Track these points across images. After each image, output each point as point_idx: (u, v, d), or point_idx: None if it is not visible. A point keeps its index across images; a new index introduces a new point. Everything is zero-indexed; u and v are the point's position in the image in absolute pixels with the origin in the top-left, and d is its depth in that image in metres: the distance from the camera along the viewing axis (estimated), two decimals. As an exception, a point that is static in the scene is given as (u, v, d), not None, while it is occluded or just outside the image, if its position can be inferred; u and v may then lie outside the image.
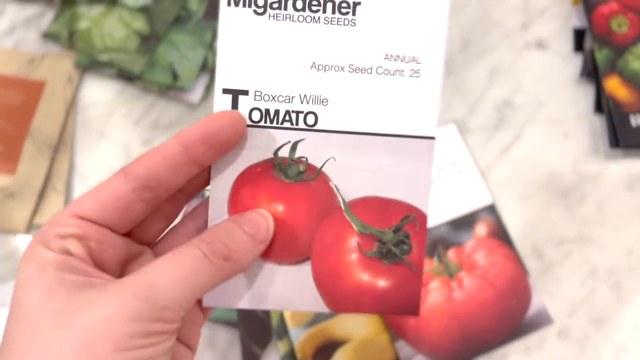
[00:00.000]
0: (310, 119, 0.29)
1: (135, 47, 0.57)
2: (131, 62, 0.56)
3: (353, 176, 0.30)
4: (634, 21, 0.54)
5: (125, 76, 0.57)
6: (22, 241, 0.52)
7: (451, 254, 0.50)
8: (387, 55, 0.29)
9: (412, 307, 0.30)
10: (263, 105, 0.29)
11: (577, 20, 0.57)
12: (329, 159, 0.29)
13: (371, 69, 0.29)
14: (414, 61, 0.29)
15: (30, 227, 0.52)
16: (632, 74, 0.53)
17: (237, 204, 0.29)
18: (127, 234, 0.29)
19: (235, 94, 0.29)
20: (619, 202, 0.52)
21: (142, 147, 0.55)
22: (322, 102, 0.29)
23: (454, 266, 0.49)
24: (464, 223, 0.51)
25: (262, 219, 0.29)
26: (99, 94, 0.57)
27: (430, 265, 0.49)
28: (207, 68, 0.56)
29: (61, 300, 0.24)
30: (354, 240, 0.30)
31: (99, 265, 0.27)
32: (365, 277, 0.30)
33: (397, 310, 0.30)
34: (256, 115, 0.29)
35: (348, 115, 0.29)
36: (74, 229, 0.26)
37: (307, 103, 0.29)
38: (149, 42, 0.57)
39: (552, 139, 0.54)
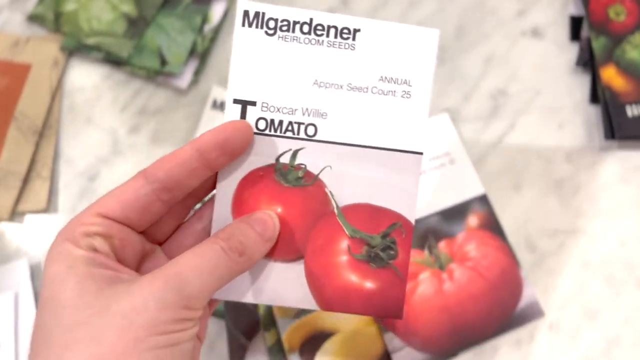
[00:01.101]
0: (311, 130, 0.32)
1: (122, 31, 0.55)
2: (118, 46, 0.55)
3: (347, 184, 0.32)
4: (632, 9, 0.53)
5: (113, 61, 0.55)
6: (5, 228, 0.51)
7: (442, 245, 0.49)
8: (381, 77, 0.32)
9: (396, 310, 0.32)
10: (268, 116, 0.32)
11: (574, 7, 0.56)
12: (325, 167, 0.32)
13: (367, 88, 0.32)
14: (406, 84, 0.32)
15: (13, 214, 0.51)
16: (629, 64, 0.52)
17: (240, 204, 0.32)
18: (141, 233, 0.31)
19: (245, 104, 0.32)
20: (613, 194, 0.51)
21: (129, 133, 0.54)
22: (322, 115, 0.32)
23: (445, 257, 0.48)
24: (456, 214, 0.50)
25: (269, 219, 0.31)
26: (86, 78, 0.56)
27: (420, 256, 0.48)
28: (196, 53, 0.55)
29: (95, 293, 0.26)
30: (344, 243, 0.32)
31: (120, 261, 0.29)
32: (353, 278, 0.32)
33: (382, 313, 0.32)
34: (262, 124, 0.32)
35: (345, 128, 0.32)
36: (99, 228, 0.28)
37: (309, 116, 0.32)
38: (136, 25, 0.56)
39: (546, 129, 0.53)
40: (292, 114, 0.32)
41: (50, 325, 0.26)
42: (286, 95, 0.32)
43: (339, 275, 0.32)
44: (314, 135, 0.32)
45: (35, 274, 0.50)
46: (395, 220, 0.32)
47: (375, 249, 0.32)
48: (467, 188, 0.51)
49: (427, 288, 0.47)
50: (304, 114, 0.32)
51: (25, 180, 0.52)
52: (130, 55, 0.55)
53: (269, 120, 0.32)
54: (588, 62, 0.54)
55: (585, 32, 0.55)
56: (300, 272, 0.32)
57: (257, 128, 0.32)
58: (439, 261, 0.48)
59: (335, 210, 0.32)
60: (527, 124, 0.53)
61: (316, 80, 0.32)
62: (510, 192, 0.51)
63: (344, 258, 0.32)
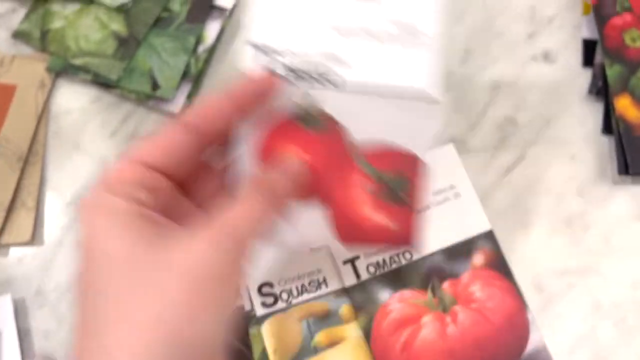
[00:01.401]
0: (331, 76, 0.33)
1: (112, 51, 0.53)
2: (108, 67, 0.52)
3: (365, 127, 0.34)
4: (649, 36, 0.51)
5: (101, 83, 0.53)
6: (-12, 261, 0.49)
7: (446, 286, 0.46)
8: (395, 21, 0.33)
9: (407, 239, 0.35)
10: (290, 62, 0.33)
11: (587, 30, 0.54)
12: (345, 111, 0.33)
13: (383, 36, 0.33)
14: (415, 29, 0.33)
15: (-3, 247, 0.49)
16: (645, 94, 0.49)
17: (266, 150, 0.33)
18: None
19: (267, 51, 0.33)
20: (626, 232, 0.48)
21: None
22: (342, 62, 0.33)
23: (449, 299, 0.46)
24: (461, 251, 0.47)
25: (299, 167, 0.32)
26: (73, 101, 0.53)
27: (423, 297, 0.46)
28: (189, 75, 0.52)
29: (148, 246, 0.25)
30: (365, 182, 0.34)
31: (164, 213, 0.28)
32: (372, 213, 0.34)
33: (396, 243, 0.35)
34: (282, 71, 0.33)
35: (363, 74, 0.33)
36: (142, 177, 0.27)
37: (329, 61, 0.33)
38: (127, 45, 0.53)
39: (557, 161, 0.50)
40: (314, 59, 0.33)
41: (103, 281, 0.25)
42: (308, 41, 0.33)
43: (361, 212, 0.34)
44: (335, 81, 0.33)
45: (19, 310, 0.48)
46: (411, 159, 0.34)
47: (391, 186, 0.34)
48: (472, 224, 0.48)
49: (429, 332, 0.45)
50: (324, 60, 0.33)
51: (9, 210, 0.50)
52: (120, 78, 0.52)
53: (290, 66, 0.33)
54: (601, 89, 0.51)
55: (598, 57, 0.52)
56: (321, 214, 0.34)
57: (278, 74, 0.33)
58: (442, 303, 0.46)
59: (357, 154, 0.34)
60: (536, 156, 0.50)
61: (337, 28, 0.33)
62: (518, 228, 0.49)
63: (366, 196, 0.34)
